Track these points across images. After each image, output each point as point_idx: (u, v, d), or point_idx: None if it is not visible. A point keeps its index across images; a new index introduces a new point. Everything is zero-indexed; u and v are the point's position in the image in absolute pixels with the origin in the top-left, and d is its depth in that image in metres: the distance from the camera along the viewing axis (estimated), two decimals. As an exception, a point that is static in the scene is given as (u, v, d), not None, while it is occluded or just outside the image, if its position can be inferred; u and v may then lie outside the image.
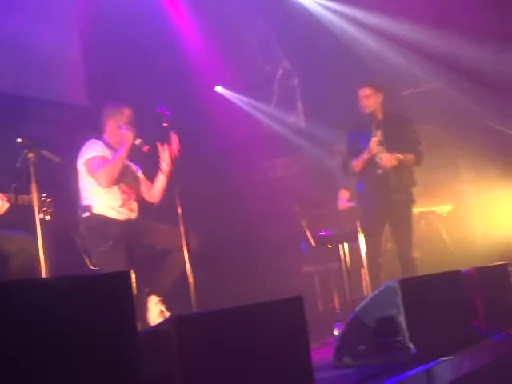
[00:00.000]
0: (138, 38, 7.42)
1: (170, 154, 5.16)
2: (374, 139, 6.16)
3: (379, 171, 6.23)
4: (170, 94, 6.19)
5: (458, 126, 8.31)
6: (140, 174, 5.61)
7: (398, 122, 6.37)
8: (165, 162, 5.31)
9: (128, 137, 5.19)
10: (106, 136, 5.44)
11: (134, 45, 7.38)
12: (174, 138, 5.14)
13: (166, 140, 5.18)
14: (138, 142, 5.18)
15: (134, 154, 5.41)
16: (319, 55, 8.88)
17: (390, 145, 6.20)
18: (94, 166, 5.20)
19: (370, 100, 6.29)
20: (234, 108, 9.08)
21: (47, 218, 4.73)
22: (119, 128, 5.32)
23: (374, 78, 6.76)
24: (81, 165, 5.28)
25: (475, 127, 8.34)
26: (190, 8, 8.40)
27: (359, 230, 5.89)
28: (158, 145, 5.23)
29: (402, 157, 6.17)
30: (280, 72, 9.38)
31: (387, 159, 6.16)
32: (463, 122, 8.32)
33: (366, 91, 6.31)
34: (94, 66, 7.18)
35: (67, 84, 7.05)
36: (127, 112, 5.41)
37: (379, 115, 6.34)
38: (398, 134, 6.29)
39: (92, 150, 5.26)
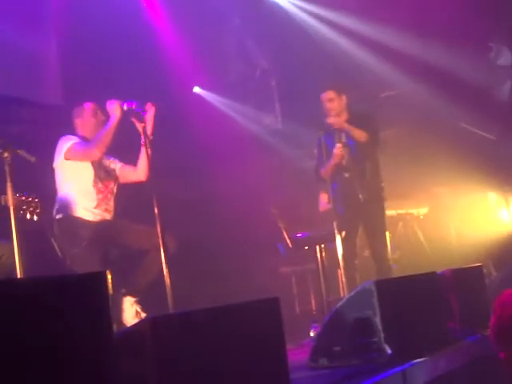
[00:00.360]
0: (114, 38, 7.38)
1: (149, 125, 5.15)
2: (338, 145, 6.17)
3: (346, 175, 6.24)
4: (147, 94, 6.16)
5: (435, 128, 8.37)
6: (118, 164, 5.59)
7: (363, 121, 6.34)
8: (145, 135, 5.23)
9: (115, 109, 5.17)
10: (77, 132, 5.48)
11: (110, 45, 7.34)
12: (150, 107, 5.15)
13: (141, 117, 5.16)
14: (125, 107, 5.17)
15: (112, 148, 5.41)
16: (297, 56, 8.89)
17: (355, 145, 6.21)
18: (79, 146, 5.26)
19: (333, 103, 6.28)
20: (212, 109, 9.06)
21: (35, 218, 4.70)
22: (93, 118, 5.48)
23: (337, 81, 6.75)
24: (59, 161, 5.25)
25: (451, 129, 8.41)
26: (167, 8, 8.37)
27: (336, 231, 5.91)
28: (135, 121, 5.17)
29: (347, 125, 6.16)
30: (257, 72, 9.38)
31: (331, 121, 6.16)
32: (439, 124, 8.38)
33: (329, 94, 6.29)
34: (70, 66, 7.14)
35: (43, 84, 7.01)
36: (89, 106, 5.53)
37: (343, 119, 6.32)
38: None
39: (67, 142, 5.28)
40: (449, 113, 8.36)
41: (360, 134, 6.18)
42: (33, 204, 4.73)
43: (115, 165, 5.57)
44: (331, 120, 6.16)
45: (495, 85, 8.65)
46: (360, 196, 6.15)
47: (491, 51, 8.55)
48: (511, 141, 8.25)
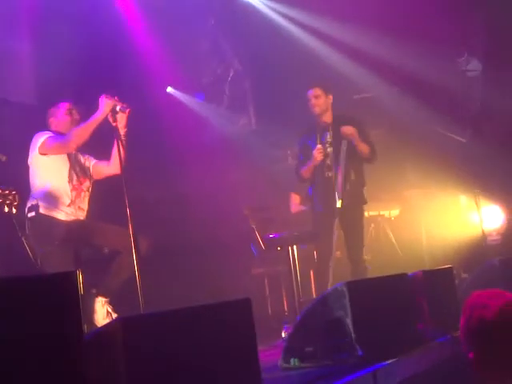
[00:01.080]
0: (88, 37, 7.33)
1: (122, 123, 5.12)
2: (319, 147, 6.20)
3: (329, 174, 6.27)
4: (121, 93, 6.13)
5: (405, 131, 8.43)
6: (92, 161, 5.55)
7: (348, 123, 6.37)
8: (119, 129, 5.19)
9: (106, 105, 5.10)
10: (52, 130, 5.41)
11: (84, 44, 7.29)
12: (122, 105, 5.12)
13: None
14: (118, 108, 5.11)
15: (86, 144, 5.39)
16: (270, 56, 8.90)
17: (338, 146, 6.25)
18: (54, 140, 5.20)
19: (319, 100, 6.33)
20: (185, 109, 9.04)
21: (14, 211, 4.65)
22: (68, 115, 5.42)
23: (324, 81, 6.79)
24: (34, 155, 5.19)
25: (421, 132, 8.47)
26: (141, 8, 8.34)
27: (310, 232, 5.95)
28: (111, 118, 5.12)
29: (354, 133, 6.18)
30: (231, 73, 9.37)
31: (347, 129, 6.19)
32: (410, 127, 8.44)
33: (316, 91, 6.35)
34: (43, 64, 7.08)
35: (15, 82, 6.94)
36: (64, 105, 5.48)
37: (328, 118, 6.37)
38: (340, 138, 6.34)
39: (42, 136, 5.23)
40: (420, 115, 8.42)
41: (364, 148, 6.27)
42: (10, 197, 4.68)
43: (89, 162, 5.53)
44: (346, 129, 6.16)
45: (465, 88, 8.74)
46: (340, 197, 6.19)
47: (462, 56, 8.64)
48: (482, 143, 8.33)
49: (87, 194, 5.40)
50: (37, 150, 5.17)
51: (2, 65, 6.70)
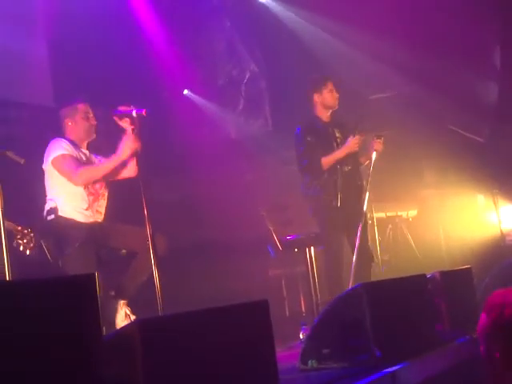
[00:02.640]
0: (104, 39, 7.37)
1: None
2: (357, 137, 6.04)
3: (347, 168, 6.17)
4: (137, 96, 6.15)
5: (423, 131, 8.39)
6: None
7: (347, 123, 6.36)
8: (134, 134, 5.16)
9: (128, 147, 4.98)
10: (67, 135, 5.37)
11: (101, 46, 7.33)
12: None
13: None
14: (134, 114, 4.87)
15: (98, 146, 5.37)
16: (286, 58, 8.90)
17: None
18: (66, 164, 5.10)
19: (336, 94, 6.27)
20: (202, 111, 9.06)
21: (27, 252, 4.65)
22: (77, 123, 5.30)
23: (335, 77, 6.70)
24: (47, 164, 5.20)
25: (439, 132, 8.43)
26: (157, 11, 8.37)
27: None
28: (126, 122, 5.07)
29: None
30: (247, 75, 9.38)
31: (377, 144, 6.14)
32: (427, 127, 8.41)
33: (333, 85, 6.24)
34: (60, 67, 7.12)
35: (33, 84, 6.98)
36: (82, 107, 5.34)
37: (331, 114, 6.32)
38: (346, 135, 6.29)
39: (58, 148, 5.17)
40: (437, 115, 8.39)
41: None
42: (27, 237, 4.69)
43: None
44: (377, 145, 6.11)
45: (483, 87, 8.69)
46: (360, 191, 6.13)
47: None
48: (499, 143, 8.29)
49: (104, 196, 5.40)
50: (50, 162, 5.16)
51: (18, 68, 6.74)
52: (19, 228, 4.65)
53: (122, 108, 4.98)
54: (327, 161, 6.10)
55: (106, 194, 5.41)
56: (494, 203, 7.71)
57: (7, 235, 4.44)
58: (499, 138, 8.37)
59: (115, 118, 5.02)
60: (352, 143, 6.06)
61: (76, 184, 5.13)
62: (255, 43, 9.30)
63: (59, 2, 7.08)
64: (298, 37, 8.94)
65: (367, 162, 6.26)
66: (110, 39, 7.45)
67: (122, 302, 5.09)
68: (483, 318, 2.69)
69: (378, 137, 6.17)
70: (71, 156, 5.17)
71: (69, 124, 5.35)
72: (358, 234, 5.85)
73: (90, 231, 5.09)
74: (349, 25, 8.46)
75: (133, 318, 5.05)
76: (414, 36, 8.15)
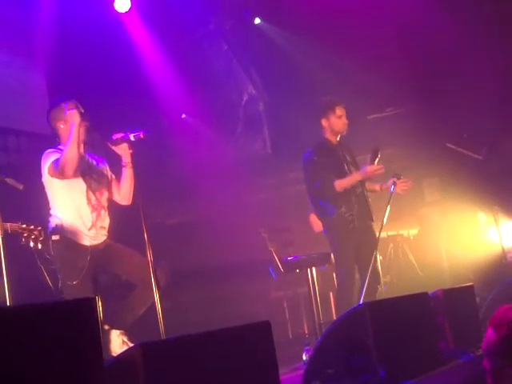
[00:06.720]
0: (104, 66, 7.41)
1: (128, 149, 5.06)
2: (380, 166, 6.03)
3: (359, 190, 6.15)
4: (136, 120, 6.16)
5: (421, 149, 8.41)
6: (109, 172, 5.40)
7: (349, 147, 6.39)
8: (125, 158, 5.14)
9: (74, 116, 4.93)
10: (62, 140, 5.14)
11: (98, 74, 7.37)
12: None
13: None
14: (132, 138, 4.95)
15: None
16: (283, 80, 8.94)
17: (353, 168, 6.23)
18: (54, 165, 4.99)
19: (345, 120, 6.26)
20: (200, 135, 9.09)
21: (39, 246, 4.67)
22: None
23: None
24: (45, 176, 5.08)
25: (439, 150, 8.44)
26: (155, 36, 8.42)
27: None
28: (124, 147, 5.08)
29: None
30: (245, 98, 9.42)
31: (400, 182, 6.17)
32: (427, 145, 8.42)
33: (344, 110, 6.22)
34: (56, 94, 7.14)
35: (32, 112, 7.00)
36: (67, 105, 5.09)
37: (338, 138, 6.33)
38: (354, 158, 6.35)
39: (49, 158, 5.04)
40: (434, 133, 8.41)
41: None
42: (35, 232, 4.70)
43: (107, 171, 5.39)
44: (400, 183, 6.14)
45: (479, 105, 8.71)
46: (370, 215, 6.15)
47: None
48: (498, 160, 8.29)
49: (106, 210, 5.28)
50: (46, 172, 5.08)
51: (18, 96, 6.78)
52: (24, 226, 4.65)
53: (117, 135, 5.00)
54: (342, 184, 6.05)
55: (107, 206, 5.30)
56: (495, 220, 7.70)
57: (13, 237, 4.46)
58: (498, 155, 8.38)
59: (112, 147, 5.04)
60: (371, 171, 6.03)
61: (68, 173, 4.93)
62: (252, 66, 9.34)
63: (57, 29, 7.12)
64: (294, 59, 8.98)
65: (379, 190, 6.32)
66: (108, 66, 7.49)
67: (118, 332, 5.03)
68: (490, 333, 2.66)
69: (398, 177, 6.16)
70: (57, 159, 5.02)
71: (61, 127, 5.18)
72: (372, 261, 5.84)
73: (93, 255, 5.00)
74: (344, 48, 8.51)
75: (130, 345, 4.97)
76: (412, 56, 8.20)
